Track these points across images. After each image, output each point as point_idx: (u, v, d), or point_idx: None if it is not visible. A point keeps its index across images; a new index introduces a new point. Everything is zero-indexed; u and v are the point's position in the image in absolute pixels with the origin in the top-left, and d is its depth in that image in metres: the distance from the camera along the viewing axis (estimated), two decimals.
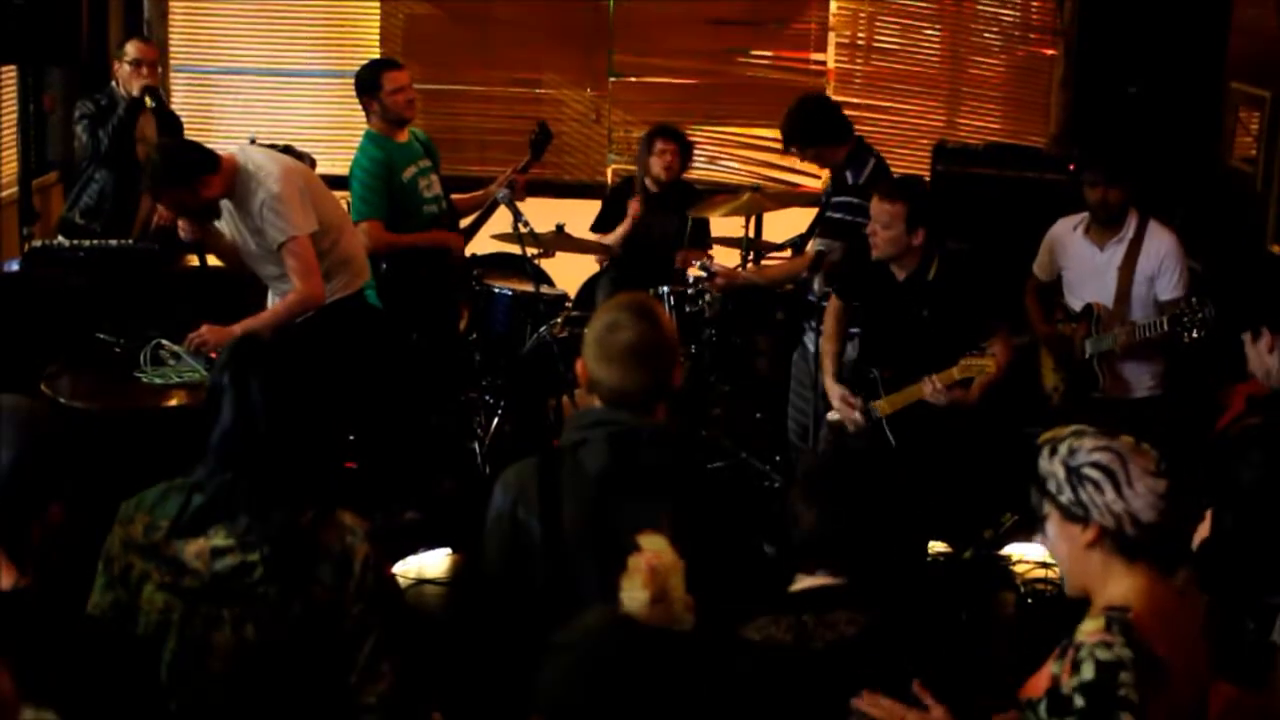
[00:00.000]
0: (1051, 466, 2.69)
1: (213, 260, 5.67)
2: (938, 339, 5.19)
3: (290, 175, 5.30)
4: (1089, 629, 2.61)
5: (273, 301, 5.51)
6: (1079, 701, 2.56)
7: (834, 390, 5.38)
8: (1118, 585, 2.65)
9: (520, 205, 6.48)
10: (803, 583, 2.80)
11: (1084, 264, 5.63)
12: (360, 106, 6.35)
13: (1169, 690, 2.56)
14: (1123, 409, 5.48)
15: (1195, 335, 5.18)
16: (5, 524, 2.63)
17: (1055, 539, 2.72)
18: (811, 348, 5.54)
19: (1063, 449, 2.70)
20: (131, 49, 6.69)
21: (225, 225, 5.42)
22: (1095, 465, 2.66)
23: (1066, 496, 2.67)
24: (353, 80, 6.36)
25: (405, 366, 5.99)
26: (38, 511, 2.69)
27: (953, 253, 5.32)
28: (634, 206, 7.03)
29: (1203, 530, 3.67)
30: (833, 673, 2.64)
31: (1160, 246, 5.47)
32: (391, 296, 6.03)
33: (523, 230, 6.47)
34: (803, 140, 5.98)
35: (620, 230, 7.04)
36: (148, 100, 6.59)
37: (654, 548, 2.68)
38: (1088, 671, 2.56)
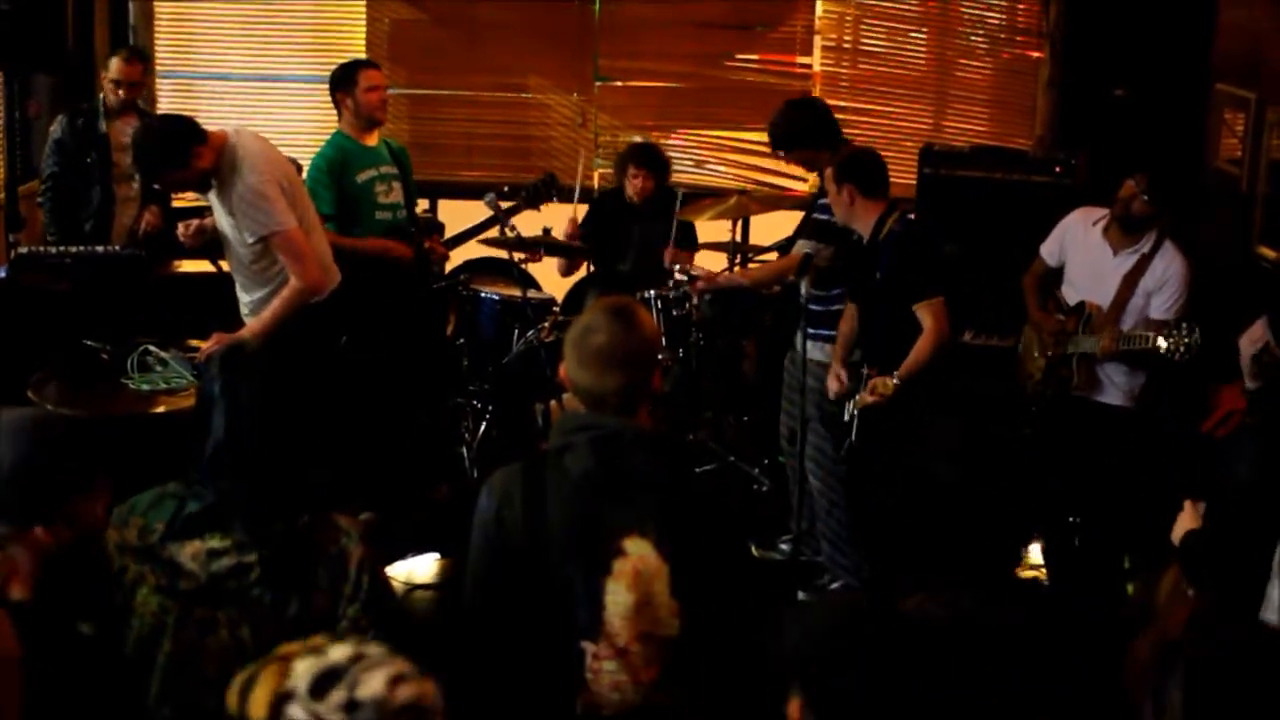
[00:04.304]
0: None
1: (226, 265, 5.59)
2: (883, 302, 5.30)
3: (273, 168, 5.23)
4: None
5: (240, 296, 5.45)
6: None
7: (832, 370, 5.50)
8: None
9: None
10: None
11: (1092, 262, 5.60)
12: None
13: None
14: (1094, 411, 5.53)
15: (1181, 356, 5.18)
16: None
17: None
18: (800, 351, 5.55)
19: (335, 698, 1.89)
20: (114, 66, 6.59)
21: (212, 204, 5.33)
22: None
23: None
24: None
25: (334, 370, 5.62)
26: (42, 519, 2.67)
27: (910, 219, 5.45)
28: (570, 227, 7.16)
29: (1184, 521, 3.67)
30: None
31: (1169, 266, 5.45)
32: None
33: (509, 235, 6.47)
34: (786, 144, 5.99)
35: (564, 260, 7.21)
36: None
37: (639, 552, 2.68)
38: None
